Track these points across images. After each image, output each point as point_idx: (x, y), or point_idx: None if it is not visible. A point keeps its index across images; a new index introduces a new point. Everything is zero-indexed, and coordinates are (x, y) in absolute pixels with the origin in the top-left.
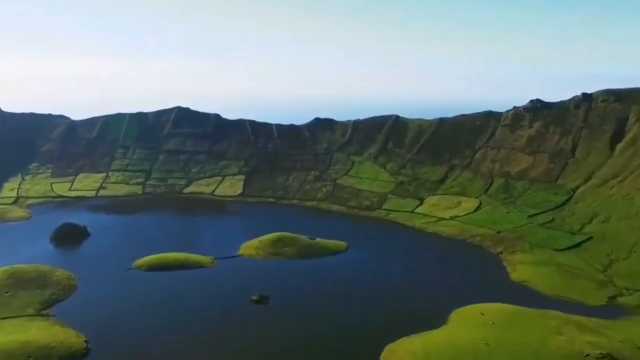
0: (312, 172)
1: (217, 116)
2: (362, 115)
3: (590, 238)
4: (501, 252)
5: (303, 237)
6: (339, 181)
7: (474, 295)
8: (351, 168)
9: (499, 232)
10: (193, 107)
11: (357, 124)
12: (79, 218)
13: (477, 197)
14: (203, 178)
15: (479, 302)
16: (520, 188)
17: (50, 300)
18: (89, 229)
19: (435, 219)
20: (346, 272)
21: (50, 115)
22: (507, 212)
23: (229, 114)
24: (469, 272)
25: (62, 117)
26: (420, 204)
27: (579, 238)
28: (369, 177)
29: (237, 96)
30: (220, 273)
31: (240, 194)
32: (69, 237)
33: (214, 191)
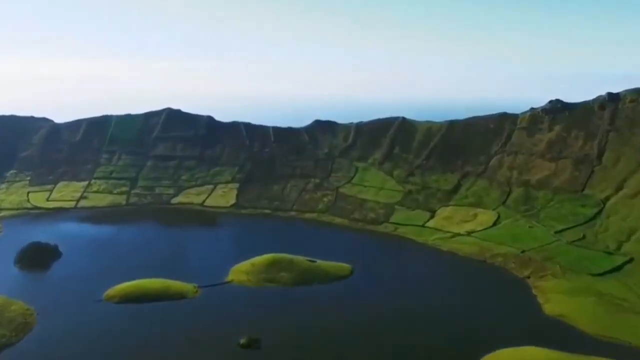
0: (312, 180)
1: (209, 118)
2: (365, 117)
3: (632, 260)
4: (528, 277)
5: (301, 259)
6: (341, 190)
7: (504, 334)
8: (354, 175)
9: (523, 252)
10: (190, 108)
11: (360, 127)
12: (52, 234)
13: (494, 209)
14: (193, 186)
15: (509, 344)
16: (543, 199)
17: None
18: (60, 248)
19: (449, 234)
20: (350, 305)
21: (32, 117)
22: (529, 227)
23: (226, 115)
24: (494, 303)
25: (44, 119)
26: (432, 217)
27: (618, 260)
28: (374, 186)
29: (236, 97)
30: (204, 306)
31: (233, 205)
32: (37, 259)
33: (204, 201)
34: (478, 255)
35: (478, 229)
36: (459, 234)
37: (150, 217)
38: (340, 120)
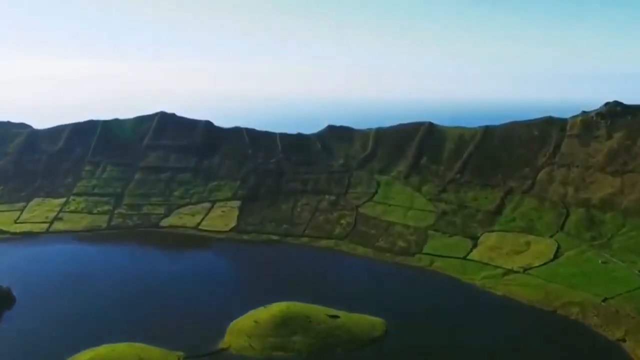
0: (327, 197)
1: (207, 124)
2: (384, 121)
3: None
4: (624, 340)
5: (320, 313)
6: (361, 210)
7: None
8: (376, 192)
9: (605, 300)
10: (186, 110)
11: (380, 133)
12: (9, 270)
13: (551, 236)
14: (187, 205)
15: None
16: (611, 223)
17: None
18: (14, 292)
19: (500, 270)
20: None
21: (8, 123)
22: (603, 262)
23: (227, 119)
24: None
25: (22, 125)
26: (474, 246)
27: None
28: (400, 205)
29: (237, 97)
30: None
31: (233, 229)
32: None
33: (200, 223)
34: (544, 303)
35: (535, 263)
36: (512, 271)
37: (134, 244)
38: (355, 125)
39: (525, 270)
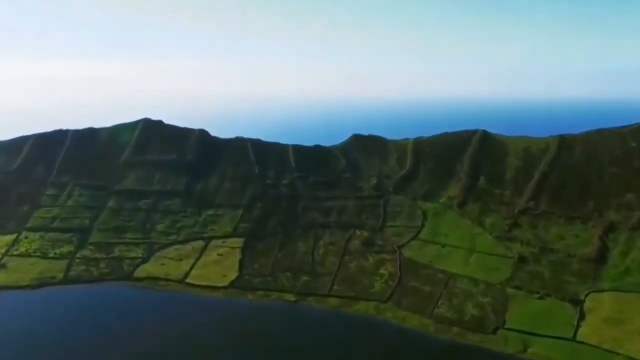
0: (357, 232)
1: (202, 134)
2: (419, 129)
3: None
4: None
5: None
6: (406, 252)
7: None
8: (423, 225)
9: None
10: (182, 114)
11: (420, 144)
12: None
13: None
14: (173, 243)
15: None
16: None
17: None
18: None
19: None
20: None
21: None
22: None
23: (227, 126)
24: None
25: None
26: (582, 317)
27: None
28: (458, 245)
29: (241, 98)
30: None
31: (234, 282)
32: None
33: (188, 273)
34: None
35: None
36: None
37: (94, 312)
38: (385, 133)
39: None
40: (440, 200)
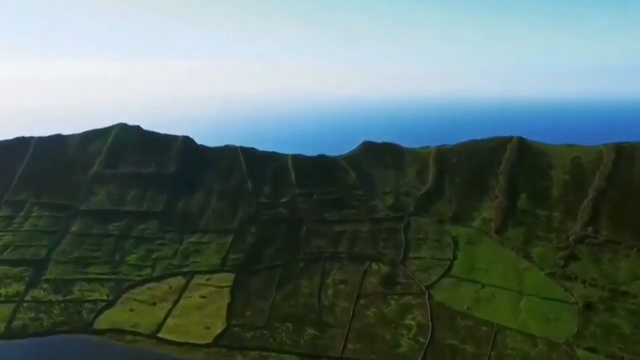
0: (373, 266)
1: (186, 141)
2: (438, 134)
3: None
4: None
5: None
6: (436, 295)
7: None
8: (454, 257)
9: None
10: (162, 120)
11: (443, 154)
12: None
13: None
14: (146, 281)
15: None
16: None
17: None
18: None
19: None
20: None
21: None
22: None
23: (218, 133)
24: None
25: None
26: None
27: None
28: (502, 285)
29: (228, 99)
30: None
31: (219, 337)
32: None
33: (162, 324)
34: None
35: None
36: None
37: None
38: (395, 138)
39: None
40: (473, 224)
